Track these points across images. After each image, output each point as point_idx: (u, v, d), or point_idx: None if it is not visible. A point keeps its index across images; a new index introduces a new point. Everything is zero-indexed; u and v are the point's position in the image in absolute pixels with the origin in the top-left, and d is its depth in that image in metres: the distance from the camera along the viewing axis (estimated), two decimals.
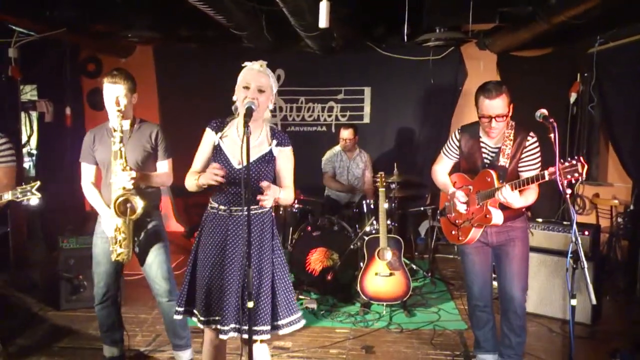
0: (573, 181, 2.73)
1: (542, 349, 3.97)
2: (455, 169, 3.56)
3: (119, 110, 3.17)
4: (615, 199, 5.81)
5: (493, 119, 3.10)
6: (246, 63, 2.81)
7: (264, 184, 2.70)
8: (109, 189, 3.26)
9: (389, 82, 7.27)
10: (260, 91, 2.75)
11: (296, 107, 7.49)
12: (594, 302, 2.59)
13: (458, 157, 3.48)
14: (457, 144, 3.43)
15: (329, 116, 7.46)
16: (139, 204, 3.15)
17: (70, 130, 6.69)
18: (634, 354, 3.79)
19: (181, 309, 2.86)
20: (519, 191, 3.05)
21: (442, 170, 3.58)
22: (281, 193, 2.82)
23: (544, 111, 3.04)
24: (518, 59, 6.71)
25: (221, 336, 2.73)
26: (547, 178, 2.79)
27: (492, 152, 3.28)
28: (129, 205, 3.16)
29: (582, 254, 2.57)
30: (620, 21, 5.31)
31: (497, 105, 3.08)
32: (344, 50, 6.88)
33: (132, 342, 4.03)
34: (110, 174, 3.26)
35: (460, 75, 7.16)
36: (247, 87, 2.74)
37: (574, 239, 2.60)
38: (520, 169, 3.20)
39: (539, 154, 3.18)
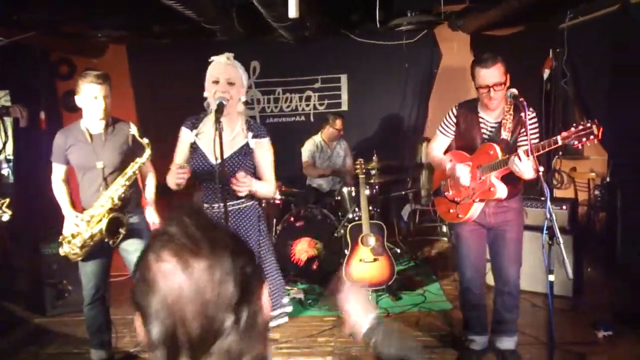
0: (588, 144, 2.78)
1: (526, 323, 4.02)
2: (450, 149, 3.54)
3: (103, 114, 3.22)
4: (592, 172, 5.89)
5: (491, 88, 3.10)
6: (213, 58, 2.81)
7: (240, 174, 2.71)
8: (88, 192, 3.33)
9: (364, 68, 7.27)
10: (230, 84, 2.74)
11: (273, 98, 7.43)
12: (571, 276, 2.64)
13: (455, 134, 3.45)
14: (454, 120, 3.41)
15: (307, 105, 7.44)
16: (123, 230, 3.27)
17: (45, 133, 6.61)
18: (615, 324, 3.88)
19: None
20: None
21: (438, 148, 3.55)
22: (257, 185, 2.82)
23: (514, 91, 3.09)
24: (491, 38, 6.73)
25: None
26: (559, 142, 2.80)
27: (492, 127, 3.27)
28: (120, 229, 3.24)
29: (557, 230, 2.62)
30: None
31: (494, 73, 3.10)
32: (318, 39, 6.84)
33: (121, 343, 4.02)
34: (87, 177, 3.33)
35: (434, 57, 7.18)
36: (216, 82, 2.74)
37: (548, 216, 2.65)
38: (519, 143, 3.17)
39: (537, 129, 3.18)
